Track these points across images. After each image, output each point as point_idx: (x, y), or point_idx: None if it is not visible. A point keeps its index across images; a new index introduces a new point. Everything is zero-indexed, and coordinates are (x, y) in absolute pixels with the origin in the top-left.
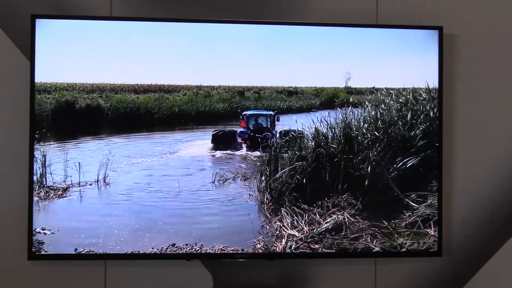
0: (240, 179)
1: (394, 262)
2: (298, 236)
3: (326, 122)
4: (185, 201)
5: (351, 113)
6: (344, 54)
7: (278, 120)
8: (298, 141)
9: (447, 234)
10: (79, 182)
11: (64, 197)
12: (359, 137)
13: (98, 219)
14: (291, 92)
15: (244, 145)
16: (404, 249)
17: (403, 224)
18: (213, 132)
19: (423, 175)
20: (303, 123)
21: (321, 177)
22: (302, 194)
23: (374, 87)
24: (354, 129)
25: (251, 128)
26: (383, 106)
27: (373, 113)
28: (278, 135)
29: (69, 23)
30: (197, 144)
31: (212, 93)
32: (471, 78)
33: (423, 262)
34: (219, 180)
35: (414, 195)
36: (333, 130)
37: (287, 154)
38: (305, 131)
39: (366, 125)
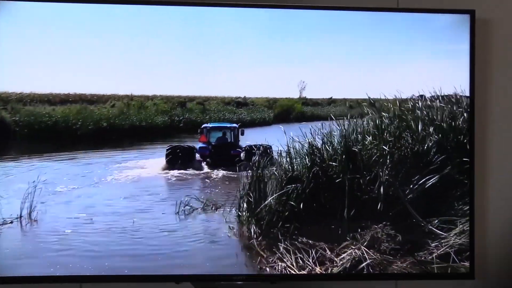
0: (211, 208)
1: (418, 284)
2: None
3: (322, 135)
4: (147, 244)
5: (348, 124)
6: (300, 58)
7: (242, 134)
8: (288, 158)
9: (480, 255)
10: None
11: None
12: (363, 152)
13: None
14: (240, 103)
15: (204, 164)
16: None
17: (431, 258)
18: (167, 148)
19: (445, 196)
20: (292, 136)
21: (320, 202)
22: (299, 224)
23: (331, 98)
24: (356, 143)
25: (213, 143)
26: (387, 114)
27: (372, 124)
28: (244, 151)
29: None
30: (143, 165)
31: (147, 104)
32: (508, 73)
33: (452, 286)
34: (183, 210)
35: (436, 220)
36: (330, 144)
37: (272, 175)
38: (277, 147)
39: (369, 138)
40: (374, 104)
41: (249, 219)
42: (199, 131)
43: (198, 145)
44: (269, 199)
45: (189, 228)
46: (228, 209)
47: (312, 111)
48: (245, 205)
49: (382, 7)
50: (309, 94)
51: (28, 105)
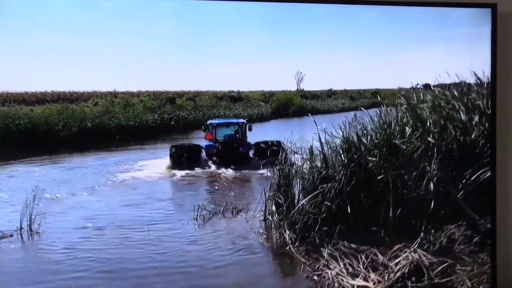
0: (232, 213)
1: None
2: (372, 287)
3: (355, 128)
4: (171, 256)
5: (385, 114)
6: (297, 48)
7: (250, 130)
8: (321, 155)
9: None
10: None
11: None
12: (406, 145)
13: None
14: (234, 98)
15: (210, 162)
16: None
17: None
18: (171, 147)
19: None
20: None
21: (360, 201)
22: (337, 226)
23: (331, 89)
24: (396, 135)
25: (220, 140)
26: (425, 105)
27: (408, 114)
28: (254, 148)
29: None
30: (144, 166)
31: (133, 101)
32: None
33: None
34: (201, 216)
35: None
36: (367, 138)
37: (301, 174)
38: (286, 143)
39: (409, 129)
40: (405, 94)
41: (281, 223)
42: (203, 128)
43: (204, 143)
44: (303, 201)
45: (213, 237)
46: (252, 213)
47: (312, 104)
48: (273, 207)
49: (403, 0)
50: (307, 86)
51: (1, 105)
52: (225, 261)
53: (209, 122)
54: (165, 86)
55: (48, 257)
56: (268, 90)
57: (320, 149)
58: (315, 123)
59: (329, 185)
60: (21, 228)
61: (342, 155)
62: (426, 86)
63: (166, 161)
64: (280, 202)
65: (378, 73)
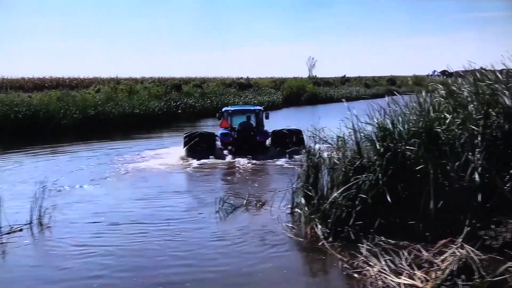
0: (256, 205)
1: None
2: (420, 286)
3: (387, 113)
4: (198, 254)
5: (423, 100)
6: (309, 32)
7: (267, 118)
8: (354, 143)
9: None
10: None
11: None
12: (446, 134)
13: None
14: (243, 85)
15: (226, 152)
16: None
17: None
18: (185, 135)
19: None
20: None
21: (398, 193)
22: (373, 220)
23: (345, 76)
24: (436, 122)
25: (236, 128)
26: (467, 89)
27: (447, 101)
28: (271, 136)
29: None
30: (158, 155)
31: (136, 88)
32: None
33: None
34: (223, 209)
35: None
36: (404, 125)
37: (333, 164)
38: (307, 131)
39: (449, 116)
40: (449, 76)
41: (311, 216)
42: (217, 116)
43: (219, 131)
44: (335, 193)
45: (240, 233)
46: (277, 205)
47: (326, 91)
48: (302, 200)
49: None
50: (320, 72)
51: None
52: (256, 258)
53: (224, 109)
54: (170, 73)
55: (64, 254)
56: (278, 77)
57: (349, 138)
58: (349, 109)
59: (363, 176)
60: (31, 222)
61: (377, 144)
62: (444, 73)
63: (179, 150)
64: (310, 194)
65: (395, 59)
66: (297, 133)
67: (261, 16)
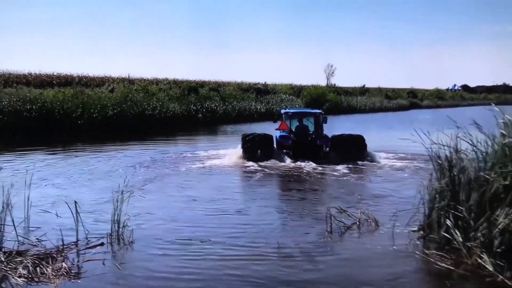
0: (371, 225)
1: None
2: None
3: None
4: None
5: None
6: (328, 39)
7: (325, 122)
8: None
9: None
10: (77, 241)
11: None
12: None
13: None
14: (261, 90)
15: (284, 155)
16: None
17: None
18: (243, 136)
19: None
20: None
21: None
22: None
23: (364, 86)
24: None
25: (295, 131)
26: None
27: None
28: (331, 140)
29: None
30: (216, 156)
31: (151, 89)
32: None
33: None
34: (336, 228)
35: None
36: None
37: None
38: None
39: None
40: None
41: (469, 244)
42: (274, 119)
43: (278, 133)
44: (502, 215)
45: (364, 258)
46: (400, 226)
47: (348, 101)
48: (447, 221)
49: None
50: (338, 81)
51: (7, 87)
52: None
53: (283, 111)
54: (183, 75)
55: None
56: (297, 84)
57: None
58: (476, 123)
59: None
60: (111, 234)
61: None
62: (466, 88)
63: (235, 151)
64: (465, 216)
65: (414, 71)
66: (358, 139)
67: (276, 21)
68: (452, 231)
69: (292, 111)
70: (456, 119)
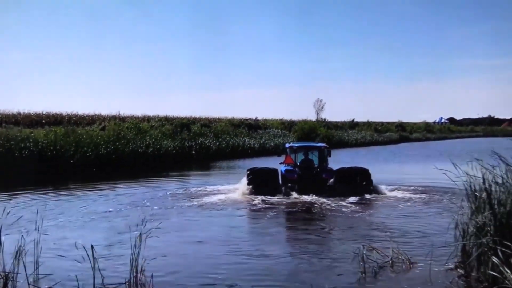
0: (404, 264)
1: None
2: None
3: None
4: None
5: None
6: (316, 74)
7: (329, 155)
8: None
9: None
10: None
11: None
12: None
13: None
14: (252, 126)
15: (289, 189)
16: None
17: None
18: (249, 171)
19: None
20: None
21: None
22: None
23: (353, 120)
24: None
25: (300, 165)
26: None
27: None
28: (335, 174)
29: None
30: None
31: (142, 126)
32: None
33: None
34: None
35: None
36: None
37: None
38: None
39: None
40: None
41: None
42: (278, 153)
43: (283, 167)
44: None
45: None
46: (434, 263)
47: (339, 135)
48: (493, 258)
49: None
50: (328, 115)
51: None
52: None
53: (287, 145)
54: (173, 112)
55: None
56: (287, 119)
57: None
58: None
59: None
60: (129, 281)
61: None
62: (452, 121)
63: (239, 186)
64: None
65: (402, 104)
66: (363, 172)
67: (265, 57)
68: (501, 268)
69: (297, 145)
70: (455, 151)
